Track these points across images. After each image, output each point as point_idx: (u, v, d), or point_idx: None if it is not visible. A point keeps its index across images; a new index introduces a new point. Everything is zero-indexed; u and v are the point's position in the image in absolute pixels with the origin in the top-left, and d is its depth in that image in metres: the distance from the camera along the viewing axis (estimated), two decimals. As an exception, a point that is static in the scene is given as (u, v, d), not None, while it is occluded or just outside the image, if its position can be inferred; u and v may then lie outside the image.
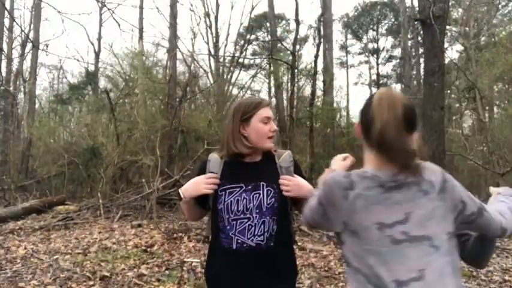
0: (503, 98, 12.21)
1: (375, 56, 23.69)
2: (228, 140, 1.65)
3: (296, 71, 12.28)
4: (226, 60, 16.35)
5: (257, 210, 1.58)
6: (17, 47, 17.32)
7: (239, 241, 1.58)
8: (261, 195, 1.60)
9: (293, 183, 1.59)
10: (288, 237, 1.70)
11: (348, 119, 16.13)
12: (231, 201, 1.60)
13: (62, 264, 4.70)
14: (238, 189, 1.61)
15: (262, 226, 1.59)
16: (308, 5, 43.29)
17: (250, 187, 1.61)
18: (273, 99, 15.74)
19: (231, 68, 15.90)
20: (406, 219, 1.12)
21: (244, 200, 1.60)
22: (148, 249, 5.42)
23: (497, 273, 4.50)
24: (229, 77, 15.73)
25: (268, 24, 17.57)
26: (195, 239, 6.00)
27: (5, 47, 15.05)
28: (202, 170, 1.70)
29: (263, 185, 1.61)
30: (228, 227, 1.60)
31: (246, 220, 1.59)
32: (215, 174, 1.64)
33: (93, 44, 19.04)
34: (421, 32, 5.16)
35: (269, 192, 1.61)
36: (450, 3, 6.37)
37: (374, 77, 23.42)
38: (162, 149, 9.85)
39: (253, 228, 1.58)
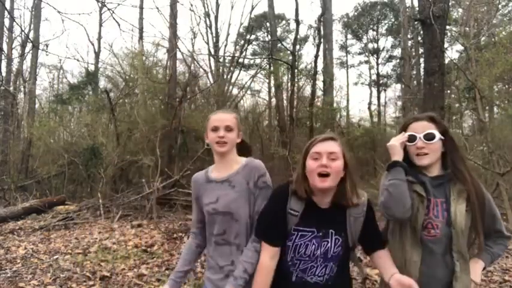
0: (503, 98, 12.21)
1: (375, 56, 23.66)
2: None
3: (296, 71, 12.27)
4: (226, 60, 16.34)
5: (322, 257, 1.62)
6: (17, 47, 17.31)
7: (299, 276, 1.65)
8: (329, 244, 1.62)
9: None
10: (346, 278, 1.73)
11: (348, 119, 16.15)
12: (301, 243, 1.63)
13: (62, 264, 4.70)
14: (309, 234, 1.63)
15: (324, 269, 1.64)
16: (308, 5, 43.50)
17: (320, 234, 1.63)
18: (273, 99, 15.75)
19: (231, 68, 15.87)
20: None
21: (313, 246, 1.62)
22: (148, 249, 5.41)
23: (497, 273, 4.50)
24: (229, 77, 15.71)
25: (268, 24, 17.58)
26: (195, 239, 5.99)
27: (5, 47, 15.04)
28: (284, 202, 1.66)
29: (332, 233, 1.62)
30: (290, 263, 1.65)
31: (309, 262, 1.64)
32: None
33: (93, 44, 19.10)
34: (421, 32, 5.16)
35: (337, 241, 1.62)
36: (450, 3, 6.37)
37: (374, 77, 23.39)
38: (162, 149, 9.85)
39: (314, 269, 1.64)
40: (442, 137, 1.64)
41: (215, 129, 1.78)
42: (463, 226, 1.54)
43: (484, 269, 1.62)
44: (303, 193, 1.61)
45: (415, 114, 1.76)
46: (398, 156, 1.65)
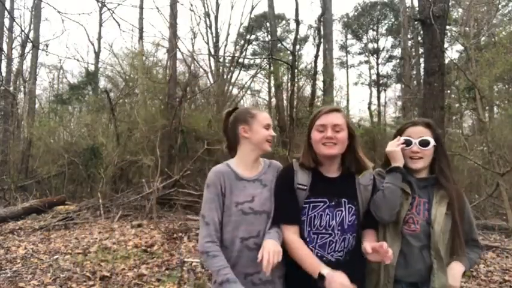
0: (503, 98, 12.20)
1: (375, 56, 23.66)
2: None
3: (296, 71, 12.26)
4: (226, 60, 16.34)
5: (339, 227, 1.61)
6: (17, 47, 17.30)
7: (319, 254, 1.60)
8: (343, 213, 1.62)
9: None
10: (361, 252, 1.70)
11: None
12: (315, 215, 1.62)
13: (62, 264, 4.70)
14: (322, 204, 1.63)
15: (342, 243, 1.62)
16: (308, 5, 43.50)
17: (333, 203, 1.63)
18: (273, 99, 15.74)
19: (231, 68, 15.86)
20: None
21: (327, 217, 1.61)
22: (148, 249, 5.41)
23: (497, 273, 4.50)
24: (229, 77, 15.69)
25: (268, 24, 17.57)
26: (195, 239, 6.00)
27: (5, 47, 15.04)
28: (290, 180, 1.67)
29: (345, 201, 1.63)
30: (308, 240, 1.63)
31: (327, 236, 1.62)
32: None
33: (93, 44, 19.08)
34: (421, 32, 5.16)
35: (350, 209, 1.63)
36: (450, 3, 6.37)
37: (374, 77, 23.39)
38: (162, 149, 9.84)
39: (334, 244, 1.61)
40: (435, 144, 1.72)
41: (268, 127, 1.77)
42: (442, 227, 1.62)
43: (464, 273, 1.65)
44: (310, 163, 1.65)
45: (412, 119, 1.78)
46: (399, 162, 1.71)
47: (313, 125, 1.67)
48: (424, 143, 1.69)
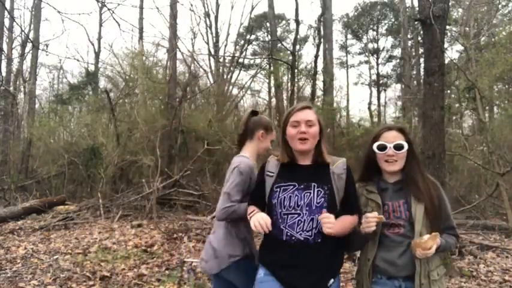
0: (503, 98, 12.19)
1: (375, 56, 23.66)
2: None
3: (296, 71, 12.27)
4: (226, 60, 16.34)
5: (307, 208, 1.72)
6: (17, 47, 17.30)
7: (288, 234, 1.73)
8: (311, 195, 1.74)
9: (335, 222, 1.65)
10: (341, 242, 1.77)
11: (348, 119, 16.12)
12: (284, 197, 1.76)
13: (62, 264, 4.70)
14: (291, 187, 1.77)
15: (311, 223, 1.72)
16: (308, 5, 43.46)
17: (302, 186, 1.76)
18: (273, 99, 15.74)
19: (231, 68, 15.88)
20: None
21: (296, 198, 1.74)
22: (148, 249, 5.41)
23: (497, 273, 4.50)
24: (229, 77, 15.71)
25: (268, 24, 17.56)
26: (195, 239, 6.00)
27: (5, 47, 15.04)
28: (261, 170, 1.91)
29: (314, 185, 1.75)
30: (280, 220, 1.75)
31: (296, 215, 1.73)
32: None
33: (93, 44, 19.07)
34: (421, 32, 5.16)
35: (319, 192, 1.74)
36: (450, 3, 6.36)
37: (374, 77, 23.38)
38: (162, 149, 9.84)
39: (302, 223, 1.72)
40: (408, 147, 1.83)
41: (272, 142, 2.27)
42: (423, 223, 1.73)
43: (437, 249, 1.68)
44: (285, 158, 1.84)
45: (387, 124, 1.93)
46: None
47: (287, 122, 1.83)
48: (398, 147, 1.80)
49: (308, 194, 1.74)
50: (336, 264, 1.82)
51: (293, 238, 1.72)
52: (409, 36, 17.56)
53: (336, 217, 1.70)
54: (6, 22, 14.66)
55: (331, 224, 1.62)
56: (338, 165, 1.81)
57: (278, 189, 1.78)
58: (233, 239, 2.05)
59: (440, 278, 1.76)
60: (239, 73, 17.32)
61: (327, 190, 1.74)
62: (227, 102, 14.14)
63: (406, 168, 1.84)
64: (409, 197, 1.78)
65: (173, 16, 11.33)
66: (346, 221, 1.73)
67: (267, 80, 18.62)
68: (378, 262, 1.77)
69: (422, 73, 10.30)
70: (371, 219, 1.67)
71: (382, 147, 1.82)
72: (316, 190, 1.74)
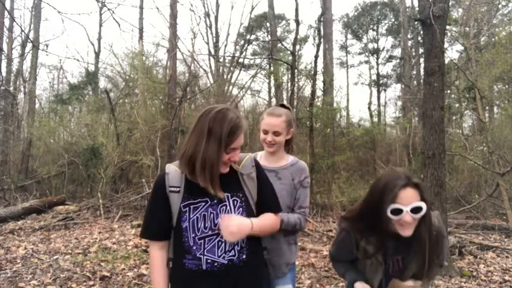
0: (503, 98, 12.20)
1: (375, 56, 23.68)
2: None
3: (296, 71, 12.26)
4: (226, 60, 16.35)
5: None
6: (17, 47, 17.26)
7: (209, 261, 1.42)
8: (228, 207, 1.46)
9: (232, 229, 1.37)
10: (258, 245, 1.58)
11: (348, 119, 16.12)
12: (197, 217, 1.43)
13: (62, 264, 4.70)
14: (203, 204, 1.44)
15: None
16: (308, 5, 43.43)
17: (215, 201, 1.45)
18: (273, 99, 15.75)
19: (231, 68, 15.88)
20: None
21: (212, 215, 1.43)
22: (148, 249, 5.41)
23: (497, 273, 4.50)
24: (229, 77, 15.71)
25: (268, 24, 17.57)
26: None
27: (5, 47, 15.03)
28: (161, 186, 1.49)
29: (228, 196, 1.46)
30: (195, 247, 1.43)
31: (214, 237, 1.43)
32: None
33: (93, 44, 19.00)
34: (421, 32, 5.16)
35: (235, 202, 1.47)
36: (450, 3, 6.37)
37: (374, 77, 23.38)
38: (162, 149, 9.85)
39: (223, 244, 1.43)
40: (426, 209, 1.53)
41: (266, 132, 2.01)
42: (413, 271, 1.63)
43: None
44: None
45: (400, 177, 1.51)
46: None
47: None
48: (416, 210, 1.48)
49: (224, 207, 1.44)
50: (266, 274, 1.65)
51: (215, 265, 1.42)
52: (409, 36, 17.58)
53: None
54: (6, 22, 14.64)
55: (233, 226, 1.36)
56: (245, 164, 1.53)
57: (187, 209, 1.43)
58: None
59: None
60: (239, 73, 17.34)
61: (242, 197, 1.48)
62: (227, 102, 14.13)
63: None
64: (409, 254, 1.61)
65: (173, 16, 11.33)
66: (264, 220, 1.51)
67: (267, 80, 18.63)
68: None
69: (422, 73, 10.30)
70: None
71: (398, 212, 1.48)
72: (231, 200, 1.46)
